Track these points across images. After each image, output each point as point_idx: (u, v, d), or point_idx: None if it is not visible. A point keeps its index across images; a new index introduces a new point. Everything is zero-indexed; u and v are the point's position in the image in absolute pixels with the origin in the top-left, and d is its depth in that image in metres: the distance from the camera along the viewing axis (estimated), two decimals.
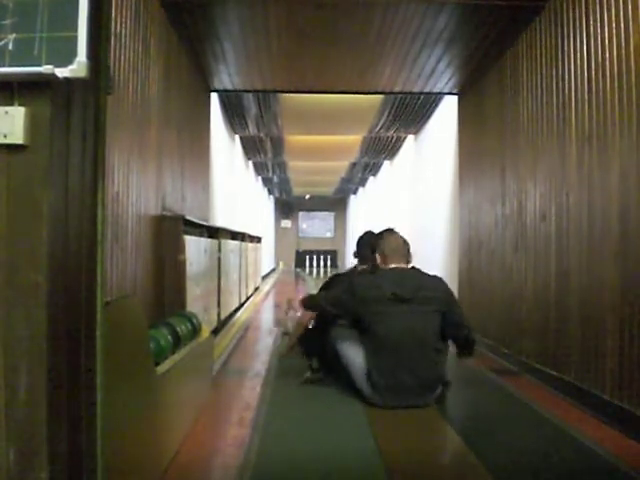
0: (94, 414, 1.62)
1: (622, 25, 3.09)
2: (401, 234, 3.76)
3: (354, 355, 3.56)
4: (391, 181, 13.62)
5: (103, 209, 1.67)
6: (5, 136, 1.44)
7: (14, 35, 1.47)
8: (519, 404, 3.60)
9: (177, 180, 4.93)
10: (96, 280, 1.65)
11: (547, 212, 4.14)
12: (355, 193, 22.25)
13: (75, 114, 1.60)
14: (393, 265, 3.60)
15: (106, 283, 1.70)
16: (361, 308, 3.50)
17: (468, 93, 6.36)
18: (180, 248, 4.34)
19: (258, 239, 12.07)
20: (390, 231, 3.80)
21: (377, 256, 3.72)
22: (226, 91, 7.06)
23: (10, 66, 1.45)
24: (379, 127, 9.62)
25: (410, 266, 3.67)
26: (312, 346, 4.06)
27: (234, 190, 10.26)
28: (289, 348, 4.54)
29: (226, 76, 6.22)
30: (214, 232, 6.21)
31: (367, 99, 8.01)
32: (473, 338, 3.55)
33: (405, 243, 3.69)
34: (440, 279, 3.65)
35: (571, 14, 3.73)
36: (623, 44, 3.08)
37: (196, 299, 4.72)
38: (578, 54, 3.63)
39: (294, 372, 4.14)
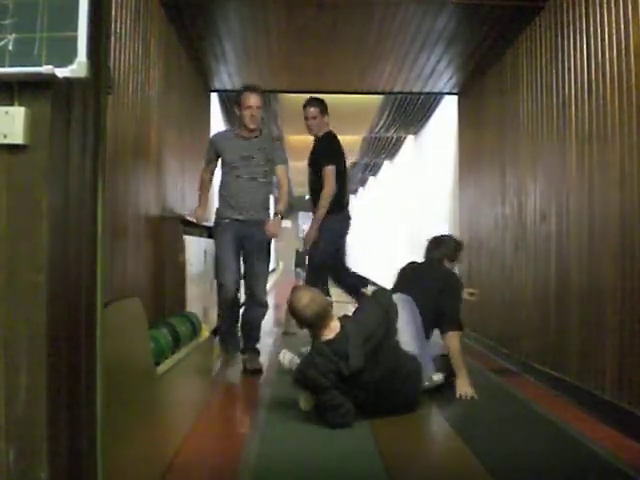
0: (94, 414, 1.62)
1: (622, 25, 3.09)
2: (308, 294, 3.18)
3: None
4: (391, 181, 13.61)
5: (103, 209, 1.67)
6: (5, 136, 1.44)
7: (14, 35, 1.46)
8: (519, 404, 3.60)
9: (177, 180, 4.93)
10: (96, 280, 1.65)
11: (547, 212, 4.14)
12: (355, 193, 22.24)
13: (75, 114, 1.60)
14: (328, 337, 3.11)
15: (106, 283, 1.70)
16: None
17: (468, 93, 6.36)
18: (180, 248, 4.34)
19: None
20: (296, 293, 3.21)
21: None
22: (226, 91, 7.05)
23: (10, 66, 1.45)
24: (379, 127, 9.60)
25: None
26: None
27: None
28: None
29: (226, 76, 6.21)
30: None
31: (367, 99, 7.99)
32: None
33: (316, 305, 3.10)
34: (373, 311, 3.30)
35: (571, 14, 3.73)
36: (623, 44, 3.08)
37: (196, 299, 4.72)
38: (578, 54, 3.63)
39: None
